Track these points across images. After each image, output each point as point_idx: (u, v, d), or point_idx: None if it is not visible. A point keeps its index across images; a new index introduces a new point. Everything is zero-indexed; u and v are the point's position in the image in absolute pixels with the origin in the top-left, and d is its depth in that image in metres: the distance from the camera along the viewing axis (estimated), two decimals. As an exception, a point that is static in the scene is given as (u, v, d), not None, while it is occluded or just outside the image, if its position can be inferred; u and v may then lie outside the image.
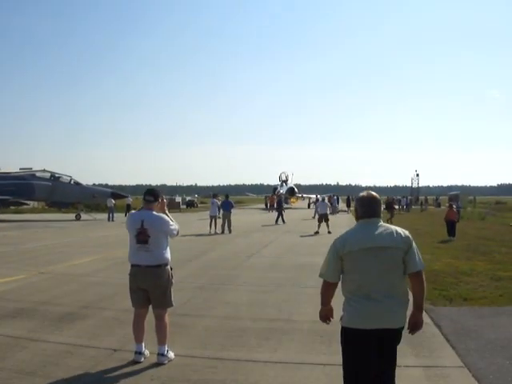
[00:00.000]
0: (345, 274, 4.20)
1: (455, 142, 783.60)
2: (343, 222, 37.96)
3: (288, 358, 6.60)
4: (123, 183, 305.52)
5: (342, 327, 4.21)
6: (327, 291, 4.35)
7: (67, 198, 41.21)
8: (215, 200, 27.95)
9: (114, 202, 40.07)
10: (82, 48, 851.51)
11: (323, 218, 27.61)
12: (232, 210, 27.28)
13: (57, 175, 41.71)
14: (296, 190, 72.32)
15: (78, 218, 39.77)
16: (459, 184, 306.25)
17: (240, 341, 7.26)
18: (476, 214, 44.63)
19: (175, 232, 6.57)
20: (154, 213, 6.49)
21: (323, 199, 31.51)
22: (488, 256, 16.66)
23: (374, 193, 4.38)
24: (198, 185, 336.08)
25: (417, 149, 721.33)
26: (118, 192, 46.16)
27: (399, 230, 4.25)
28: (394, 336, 4.14)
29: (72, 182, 41.55)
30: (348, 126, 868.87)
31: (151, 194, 6.56)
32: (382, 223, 4.27)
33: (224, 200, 27.64)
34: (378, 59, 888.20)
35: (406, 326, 4.27)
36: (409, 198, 69.51)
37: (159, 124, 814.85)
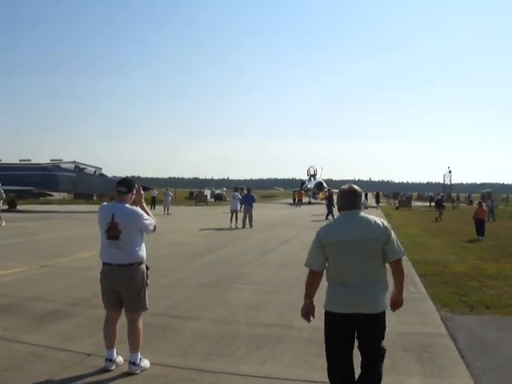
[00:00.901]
0: (328, 262, 4.42)
1: (491, 139, 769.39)
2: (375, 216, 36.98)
3: (276, 372, 5.88)
4: (155, 176, 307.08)
5: (325, 311, 4.44)
6: (313, 281, 4.51)
7: (91, 190, 41.02)
8: (236, 194, 27.31)
9: (137, 194, 39.57)
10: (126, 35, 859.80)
11: None
12: (254, 204, 26.42)
13: (81, 166, 41.43)
14: (325, 184, 70.74)
15: (103, 209, 39.39)
16: (493, 182, 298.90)
17: (227, 349, 6.58)
18: (508, 213, 43.00)
19: (151, 227, 5.89)
20: (127, 205, 5.82)
21: None
22: (517, 258, 15.61)
23: (355, 186, 4.58)
24: (231, 178, 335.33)
25: (451, 145, 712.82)
26: (142, 184, 45.58)
27: (378, 220, 4.42)
28: (373, 321, 4.32)
29: (97, 174, 41.25)
30: (382, 121, 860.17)
31: (123, 185, 5.89)
32: (362, 214, 4.45)
33: (246, 194, 26.92)
34: (413, 54, 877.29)
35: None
36: (441, 194, 67.86)
37: (193, 117, 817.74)
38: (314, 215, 38.37)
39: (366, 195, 57.06)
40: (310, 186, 66.66)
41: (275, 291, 10.27)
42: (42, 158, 42.63)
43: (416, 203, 73.04)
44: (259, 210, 44.47)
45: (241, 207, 26.63)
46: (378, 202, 56.94)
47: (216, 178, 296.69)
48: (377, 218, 4.49)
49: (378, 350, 4.45)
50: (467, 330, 7.66)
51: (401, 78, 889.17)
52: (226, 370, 5.84)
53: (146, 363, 5.78)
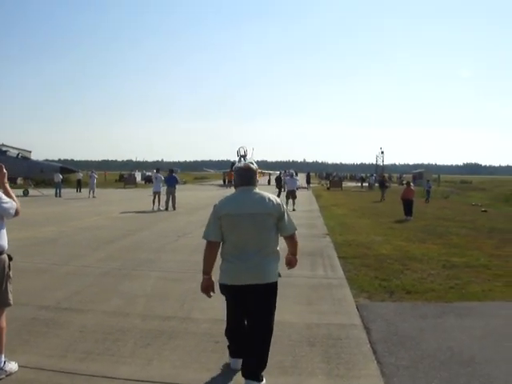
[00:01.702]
0: (224, 235, 4.63)
1: (423, 120, 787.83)
2: (302, 198, 36.41)
3: (160, 374, 5.01)
4: (88, 158, 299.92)
5: (220, 284, 4.71)
6: (209, 254, 4.69)
7: (13, 173, 38.72)
8: (158, 175, 26.00)
9: (61, 177, 37.76)
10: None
11: (291, 194, 25.69)
12: (177, 186, 25.22)
13: (3, 149, 39.27)
14: (255, 165, 69.47)
15: (25, 193, 37.38)
16: (426, 163, 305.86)
17: (113, 347, 5.75)
18: (439, 193, 43.41)
19: (11, 211, 5.04)
20: None
21: (292, 175, 29.03)
22: (445, 238, 15.12)
23: (250, 164, 4.84)
24: (165, 160, 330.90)
25: (383, 127, 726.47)
26: (67, 167, 43.74)
27: (272, 197, 4.71)
28: (266, 290, 4.58)
29: (20, 157, 39.20)
30: (316, 102, 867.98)
31: None
32: (256, 191, 4.73)
33: (168, 175, 25.65)
34: (350, 31, 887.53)
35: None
36: (374, 175, 68.32)
37: (126, 100, 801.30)
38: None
39: (295, 175, 56.82)
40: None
41: (182, 278, 9.29)
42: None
43: (348, 184, 73.49)
44: (188, 191, 43.44)
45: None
46: (308, 182, 56.50)
47: (150, 160, 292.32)
48: (271, 195, 4.79)
49: (267, 317, 4.70)
50: (384, 319, 6.84)
51: (337, 57, 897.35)
52: (101, 373, 4.98)
53: (11, 367, 4.95)
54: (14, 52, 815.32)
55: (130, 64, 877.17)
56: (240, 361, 4.84)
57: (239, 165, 4.92)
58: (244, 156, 67.33)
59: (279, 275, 4.76)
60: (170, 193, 24.86)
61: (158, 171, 26.65)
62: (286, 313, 6.83)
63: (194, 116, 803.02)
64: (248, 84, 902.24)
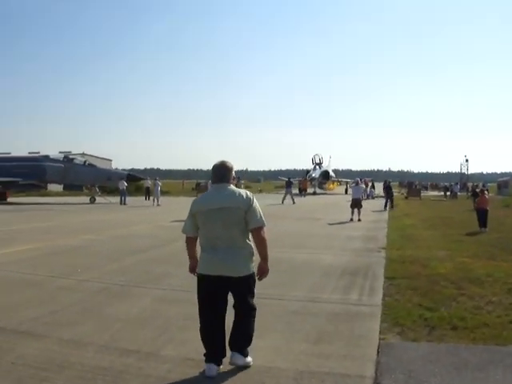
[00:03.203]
0: (199, 229, 4.99)
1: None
2: (375, 207, 34.31)
3: None
4: (174, 167, 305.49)
5: (197, 273, 5.02)
6: (189, 245, 5.16)
7: (80, 181, 39.32)
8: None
9: (126, 184, 37.57)
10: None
11: (356, 203, 23.81)
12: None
13: (71, 157, 39.79)
14: (332, 173, 66.67)
15: (92, 201, 37.69)
16: None
17: None
18: (526, 203, 39.86)
19: None
20: None
21: (357, 183, 27.37)
22: (519, 255, 12.91)
23: (225, 161, 5.08)
24: (250, 170, 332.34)
25: (471, 134, 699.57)
26: (134, 174, 43.98)
27: (243, 192, 4.93)
28: (237, 283, 4.84)
29: (86, 164, 39.60)
30: (402, 111, 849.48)
31: None
32: (230, 187, 4.94)
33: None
34: (432, 41, 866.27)
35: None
36: (458, 184, 64.82)
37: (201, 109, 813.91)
38: (312, 205, 35.89)
39: (372, 184, 54.44)
40: (315, 175, 62.67)
41: (183, 299, 7.92)
42: (50, 150, 41.40)
43: (431, 193, 70.09)
44: (260, 200, 42.18)
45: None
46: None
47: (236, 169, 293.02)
48: (242, 190, 4.97)
49: (245, 309, 4.96)
50: (406, 370, 5.15)
51: (417, 66, 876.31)
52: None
53: None
54: (85, 54, 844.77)
55: (204, 73, 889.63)
56: (214, 367, 4.87)
57: (215, 163, 5.05)
58: (319, 164, 65.40)
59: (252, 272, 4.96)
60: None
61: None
62: (280, 353, 5.58)
63: (268, 126, 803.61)
64: (323, 93, 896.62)
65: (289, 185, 40.98)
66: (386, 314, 7.30)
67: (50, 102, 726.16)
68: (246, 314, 5.00)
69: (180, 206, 29.08)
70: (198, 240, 5.09)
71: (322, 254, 12.93)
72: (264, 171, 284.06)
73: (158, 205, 34.63)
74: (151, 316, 7.20)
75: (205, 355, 4.97)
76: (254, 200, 4.91)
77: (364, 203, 40.68)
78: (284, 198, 39.06)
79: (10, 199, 38.81)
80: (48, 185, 43.40)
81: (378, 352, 5.70)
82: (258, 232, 4.90)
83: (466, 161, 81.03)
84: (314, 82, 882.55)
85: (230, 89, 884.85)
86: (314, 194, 58.30)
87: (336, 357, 5.56)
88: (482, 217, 19.08)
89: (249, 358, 5.05)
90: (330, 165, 70.72)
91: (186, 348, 5.75)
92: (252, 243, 4.99)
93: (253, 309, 5.05)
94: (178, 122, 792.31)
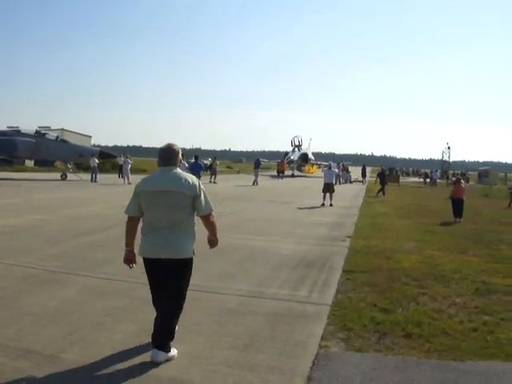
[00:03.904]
0: (143, 211, 4.87)
1: (500, 117, 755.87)
2: (351, 192, 33.52)
3: None
4: (155, 145, 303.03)
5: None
6: (130, 227, 4.97)
7: (51, 156, 37.76)
8: (183, 161, 23.71)
9: (97, 161, 36.23)
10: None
11: (328, 187, 22.92)
12: (201, 173, 23.04)
13: (43, 132, 38.16)
14: (311, 156, 64.69)
15: (63, 177, 36.31)
16: (496, 160, 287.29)
17: None
18: (504, 193, 39.26)
19: None
20: None
21: (330, 166, 25.72)
22: (492, 248, 12.16)
23: (172, 144, 5.04)
24: (232, 150, 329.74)
25: (455, 122, 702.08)
26: (106, 151, 42.51)
27: (189, 178, 4.86)
28: (175, 265, 4.76)
29: (59, 139, 37.95)
30: (387, 96, 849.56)
31: None
32: (176, 171, 4.89)
33: (193, 162, 23.46)
34: (417, 30, 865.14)
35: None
36: (438, 171, 64.30)
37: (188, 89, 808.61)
38: (288, 188, 34.96)
39: (334, 166, 53.55)
40: (293, 157, 61.32)
41: (114, 291, 7.27)
42: (29, 124, 39.66)
43: (411, 179, 69.57)
44: (233, 181, 41.26)
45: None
46: (363, 175, 52.95)
47: (218, 149, 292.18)
48: (189, 175, 4.96)
49: (174, 296, 4.83)
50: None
51: (404, 51, 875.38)
52: None
53: None
54: (85, 36, 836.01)
55: (196, 55, 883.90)
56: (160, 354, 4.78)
57: (162, 146, 5.02)
58: (298, 146, 63.99)
59: (193, 253, 4.92)
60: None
61: (182, 157, 24.10)
62: (198, 362, 4.79)
63: (268, 105, 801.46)
64: (314, 75, 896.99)
65: (256, 165, 40.04)
66: (334, 315, 6.46)
67: (33, 75, 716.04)
68: (173, 302, 4.85)
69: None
70: (142, 223, 4.97)
71: (282, 241, 12.05)
72: (247, 152, 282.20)
73: (129, 183, 33.38)
74: (69, 310, 6.31)
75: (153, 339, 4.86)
76: (201, 187, 4.91)
77: (341, 187, 40.27)
78: (255, 180, 38.24)
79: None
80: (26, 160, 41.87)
81: (313, 364, 4.83)
82: (207, 218, 4.99)
83: (448, 148, 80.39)
84: (300, 63, 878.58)
85: (216, 67, 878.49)
86: (293, 176, 57.11)
87: (262, 369, 4.69)
88: (458, 206, 18.33)
89: (172, 352, 4.83)
90: (310, 147, 69.40)
91: (92, 351, 4.94)
92: (195, 228, 4.99)
93: (182, 298, 4.91)
94: (167, 100, 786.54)
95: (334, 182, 23.25)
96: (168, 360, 4.74)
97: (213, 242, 5.18)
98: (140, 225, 5.00)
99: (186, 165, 23.56)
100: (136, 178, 34.39)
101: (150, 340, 4.87)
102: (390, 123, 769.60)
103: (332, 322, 6.18)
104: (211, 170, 40.38)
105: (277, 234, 13.30)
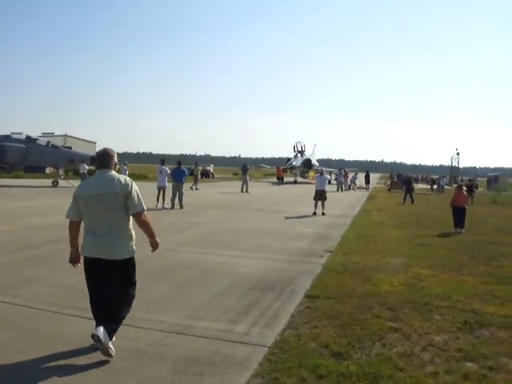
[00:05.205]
0: (82, 214, 5.00)
1: (510, 122, 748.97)
2: (351, 199, 31.91)
3: None
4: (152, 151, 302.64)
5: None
6: (71, 230, 5.14)
7: (42, 162, 36.46)
8: (164, 168, 22.08)
9: (87, 167, 34.80)
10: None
11: (320, 195, 21.23)
12: (184, 180, 21.51)
13: (33, 137, 36.86)
14: (315, 162, 61.55)
15: (54, 184, 35.00)
16: (508, 166, 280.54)
17: None
18: (512, 199, 37.43)
19: None
20: None
21: (321, 172, 23.49)
22: (492, 265, 10.54)
23: (108, 148, 5.20)
24: (242, 156, 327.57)
25: (466, 129, 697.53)
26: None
27: (122, 178, 4.99)
28: (119, 265, 4.92)
29: (50, 145, 36.65)
30: (398, 102, 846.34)
31: None
32: (111, 173, 5.03)
33: (175, 167, 21.89)
34: (426, 31, 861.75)
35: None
36: (445, 177, 62.40)
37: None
38: (288, 195, 33.39)
39: (325, 172, 51.78)
40: (296, 163, 59.27)
41: (3, 322, 5.78)
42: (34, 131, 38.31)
43: (419, 186, 67.79)
44: (227, 188, 39.54)
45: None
46: (367, 182, 51.12)
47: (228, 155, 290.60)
48: (122, 176, 5.07)
49: (121, 292, 4.98)
50: None
51: (414, 55, 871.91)
52: None
53: None
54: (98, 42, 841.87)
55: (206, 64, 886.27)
56: (101, 328, 4.79)
57: (99, 150, 5.30)
58: (301, 152, 62.07)
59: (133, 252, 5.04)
60: (177, 189, 21.18)
61: (163, 163, 22.37)
62: None
63: (265, 110, 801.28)
64: (319, 81, 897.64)
65: (244, 171, 37.15)
66: (269, 361, 4.97)
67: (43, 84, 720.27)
68: (120, 298, 4.99)
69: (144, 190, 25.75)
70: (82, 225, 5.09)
71: (249, 257, 10.49)
72: (257, 158, 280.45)
73: None
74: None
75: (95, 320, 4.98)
76: (133, 186, 4.99)
77: (342, 194, 38.64)
78: (243, 186, 35.45)
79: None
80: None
81: None
82: (138, 216, 5.01)
83: (457, 154, 78.52)
84: (307, 65, 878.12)
85: (216, 70, 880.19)
86: (295, 182, 55.30)
87: None
88: (459, 215, 16.61)
89: (110, 343, 4.84)
90: (314, 153, 67.50)
91: None
92: (131, 227, 5.06)
93: (129, 295, 5.06)
94: (182, 109, 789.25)
95: (325, 188, 21.52)
96: (104, 349, 4.77)
97: (152, 244, 5.20)
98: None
99: (168, 171, 22.03)
100: (138, 186, 32.92)
101: None
102: (400, 129, 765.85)
103: (261, 372, 4.69)
104: (193, 175, 38.85)
105: (247, 247, 11.71)
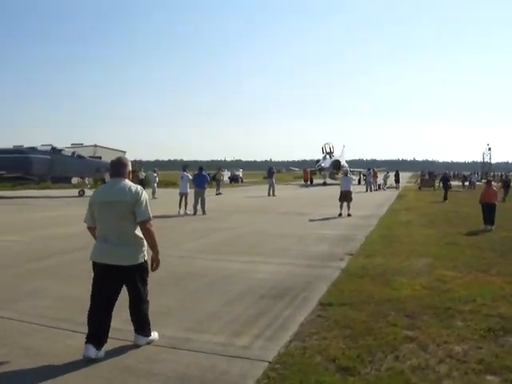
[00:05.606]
0: (96, 220, 5.19)
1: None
2: (380, 199, 31.26)
3: None
4: (175, 158, 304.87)
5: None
6: (91, 234, 5.34)
7: (67, 173, 36.70)
8: (185, 174, 21.82)
9: (110, 176, 34.78)
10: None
11: (345, 196, 20.69)
12: (206, 186, 21.20)
13: (58, 148, 37.10)
14: (344, 163, 59.81)
15: (81, 193, 35.04)
16: None
17: None
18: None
19: None
20: None
21: (346, 173, 23.29)
22: (523, 264, 9.87)
23: (122, 157, 5.49)
24: (273, 160, 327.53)
25: (498, 123, 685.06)
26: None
27: (133, 187, 5.11)
28: (128, 272, 5.05)
29: (75, 156, 36.89)
30: (428, 100, 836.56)
31: None
32: (124, 182, 5.17)
33: (197, 173, 21.60)
34: (453, 31, 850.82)
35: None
36: (478, 173, 60.88)
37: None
38: (318, 197, 32.80)
39: (350, 173, 51.15)
40: (325, 164, 58.48)
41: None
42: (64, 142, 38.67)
43: (451, 183, 66.33)
44: (256, 191, 38.99)
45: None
46: (397, 181, 50.20)
47: (259, 160, 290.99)
48: (134, 185, 5.18)
49: (136, 298, 5.17)
50: None
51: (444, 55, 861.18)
52: None
53: None
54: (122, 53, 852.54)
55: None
56: (92, 348, 4.84)
57: (113, 159, 5.38)
58: (330, 153, 61.33)
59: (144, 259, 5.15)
60: (199, 195, 20.83)
61: (184, 169, 22.11)
62: None
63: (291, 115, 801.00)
64: (346, 82, 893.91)
65: (270, 175, 36.24)
66: (268, 377, 4.56)
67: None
68: (137, 302, 5.19)
69: (176, 199, 24.21)
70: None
71: (266, 262, 10.08)
72: (288, 161, 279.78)
73: (154, 198, 31.36)
74: None
75: (86, 337, 4.94)
76: (143, 195, 5.11)
77: (372, 194, 37.94)
78: (269, 190, 34.55)
79: (-1, 192, 36.35)
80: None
81: None
82: (144, 225, 5.06)
83: (489, 149, 77.01)
84: (329, 66, 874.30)
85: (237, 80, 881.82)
86: (324, 184, 54.53)
87: None
88: (489, 212, 15.96)
89: (152, 336, 5.30)
90: (343, 154, 66.65)
91: None
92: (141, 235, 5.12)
93: (143, 301, 5.24)
94: (213, 116, 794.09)
95: (351, 189, 20.97)
96: (148, 343, 5.25)
97: (153, 261, 5.20)
98: None
99: (190, 177, 21.75)
100: (164, 192, 33.01)
101: None
102: (431, 127, 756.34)
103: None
104: (215, 181, 38.48)
105: (265, 252, 11.30)
